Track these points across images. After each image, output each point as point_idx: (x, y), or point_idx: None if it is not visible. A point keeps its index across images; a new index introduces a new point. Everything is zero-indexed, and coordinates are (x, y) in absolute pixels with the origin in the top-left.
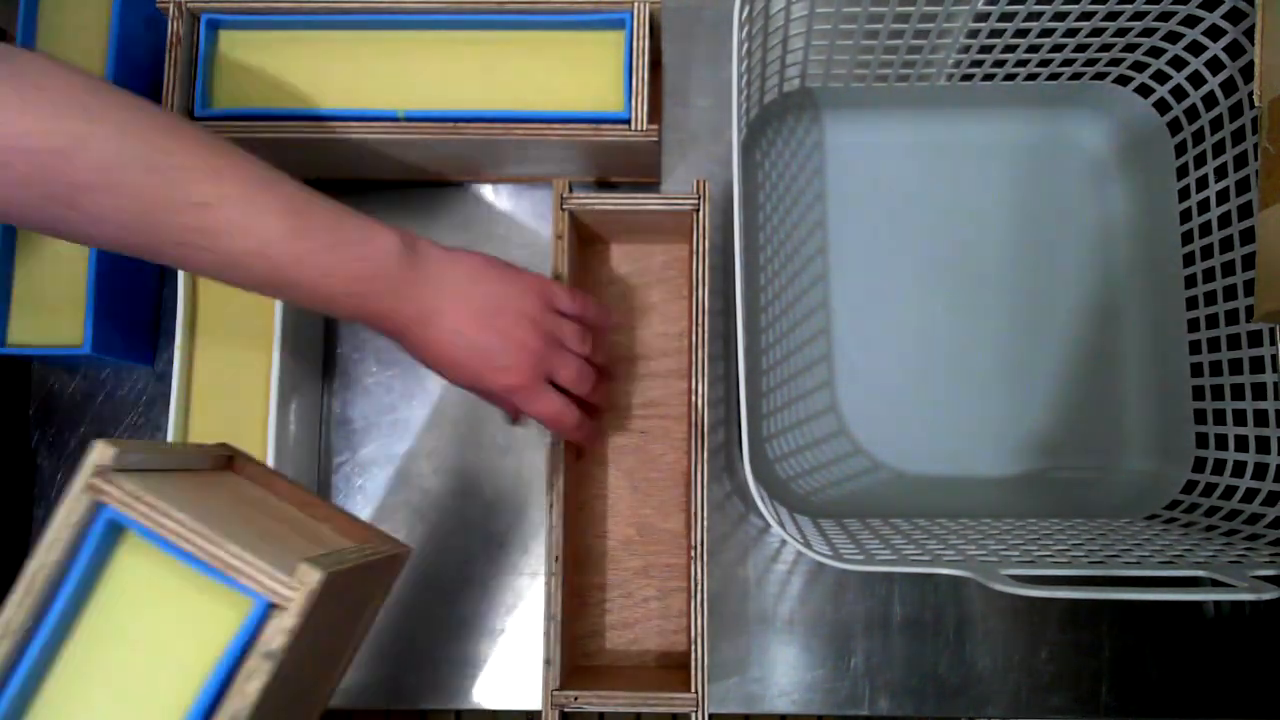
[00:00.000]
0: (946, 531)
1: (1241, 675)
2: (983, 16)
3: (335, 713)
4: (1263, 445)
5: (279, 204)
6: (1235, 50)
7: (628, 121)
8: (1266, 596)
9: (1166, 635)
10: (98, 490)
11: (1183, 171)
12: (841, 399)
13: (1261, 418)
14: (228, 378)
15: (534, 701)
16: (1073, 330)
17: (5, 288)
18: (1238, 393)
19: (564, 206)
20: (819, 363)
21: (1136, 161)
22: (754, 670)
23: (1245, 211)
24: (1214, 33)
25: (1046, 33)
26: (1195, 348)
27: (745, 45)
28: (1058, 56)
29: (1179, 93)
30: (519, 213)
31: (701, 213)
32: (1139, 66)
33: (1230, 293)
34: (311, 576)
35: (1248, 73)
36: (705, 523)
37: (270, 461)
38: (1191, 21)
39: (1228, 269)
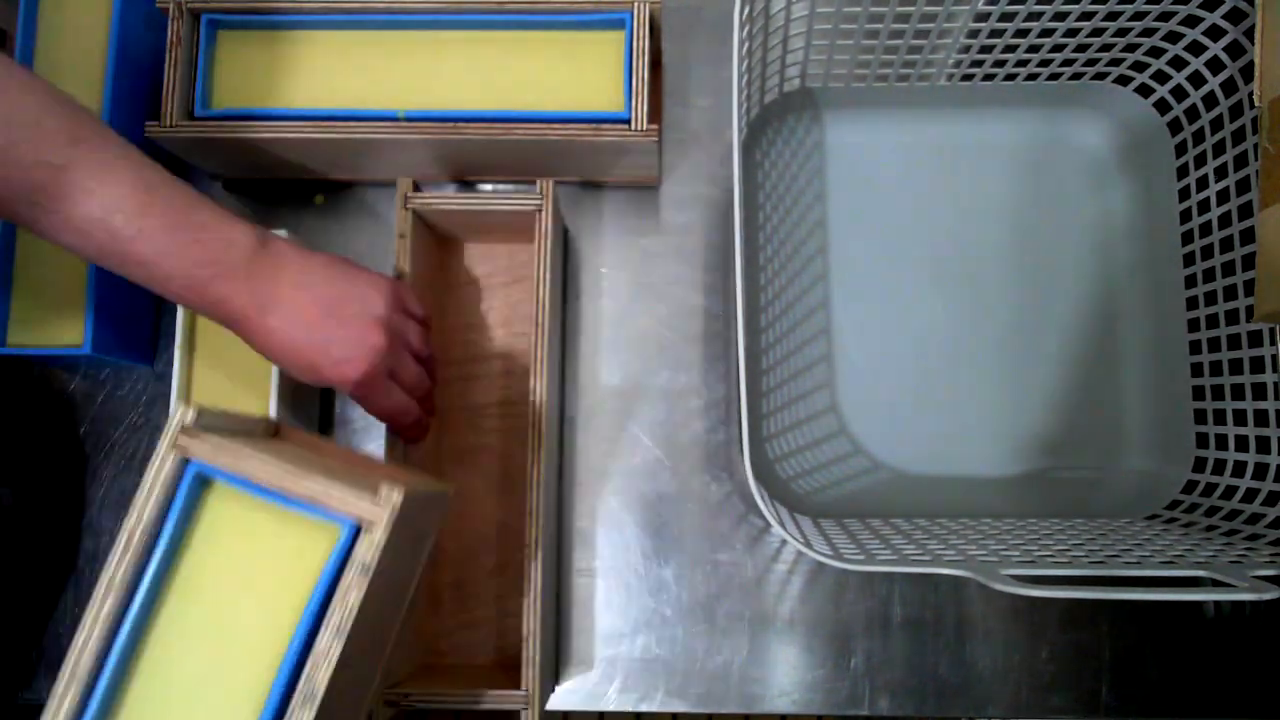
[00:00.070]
0: (946, 531)
1: (1241, 675)
2: (983, 16)
3: None
4: (1263, 445)
5: (130, 177)
6: (1235, 50)
7: (628, 121)
8: (1267, 596)
9: (1166, 635)
10: (184, 447)
11: (1183, 171)
12: (841, 399)
13: (1261, 418)
14: (228, 378)
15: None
16: (1073, 330)
17: (5, 288)
18: (1238, 393)
19: (407, 206)
20: (819, 363)
21: (1136, 161)
22: (754, 670)
23: (1245, 211)
24: (1214, 33)
25: (1046, 33)
26: (1195, 348)
27: (745, 45)
28: (1058, 56)
29: (1179, 93)
30: None
31: (544, 213)
32: (1139, 66)
33: (1230, 293)
34: (394, 495)
35: (1248, 73)
36: (541, 520)
37: None
38: (1191, 21)
39: (1228, 269)
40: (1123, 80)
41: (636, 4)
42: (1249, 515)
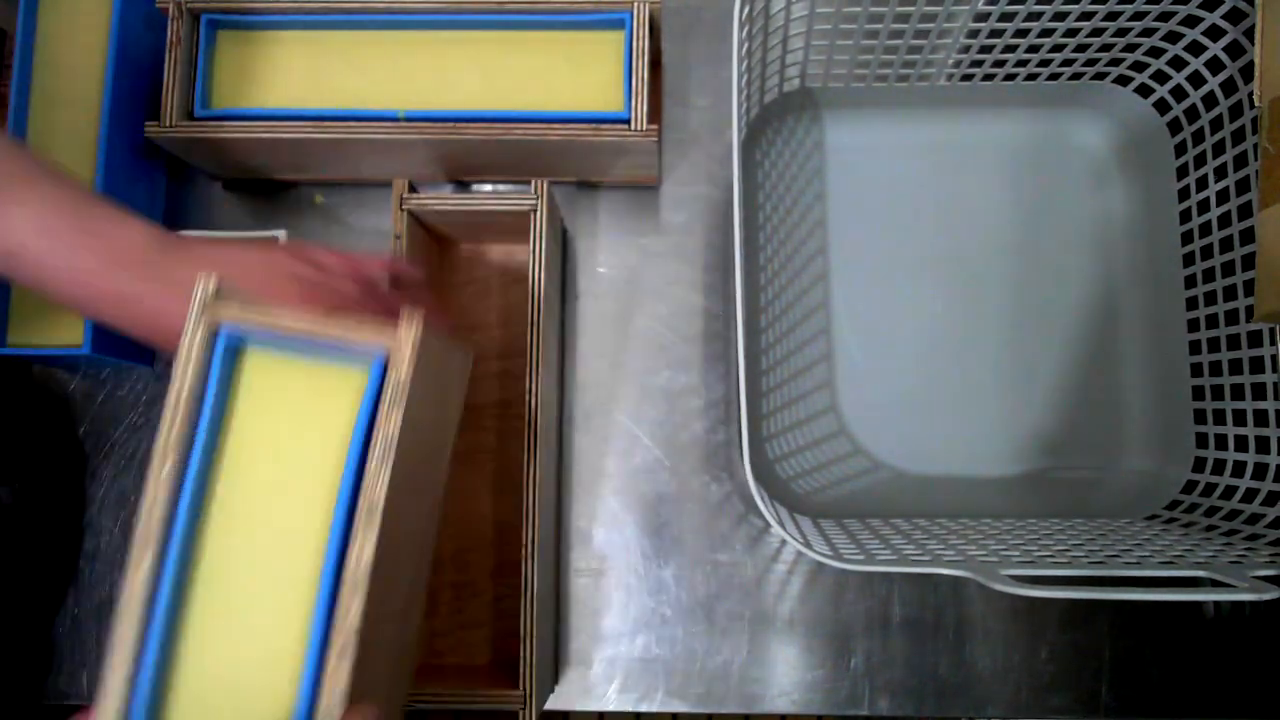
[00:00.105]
0: (946, 531)
1: (1241, 675)
2: (983, 16)
3: None
4: (1263, 445)
5: (34, 199)
6: (1235, 50)
7: (628, 121)
8: (1266, 596)
9: (1166, 635)
10: (214, 312)
11: (1183, 171)
12: (841, 399)
13: (1261, 418)
14: None
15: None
16: (1073, 330)
17: (5, 288)
18: (1238, 393)
19: (403, 207)
20: (819, 363)
21: (1136, 161)
22: (754, 670)
23: (1245, 211)
24: (1214, 33)
25: (1046, 33)
26: (1195, 348)
27: (745, 45)
28: (1058, 56)
29: (1179, 93)
30: None
31: (539, 213)
32: (1139, 66)
33: (1230, 293)
34: (415, 321)
35: (1248, 73)
36: (538, 521)
37: None
38: (1191, 21)
39: (1228, 269)
40: (1123, 80)
41: (636, 4)
42: (1249, 515)
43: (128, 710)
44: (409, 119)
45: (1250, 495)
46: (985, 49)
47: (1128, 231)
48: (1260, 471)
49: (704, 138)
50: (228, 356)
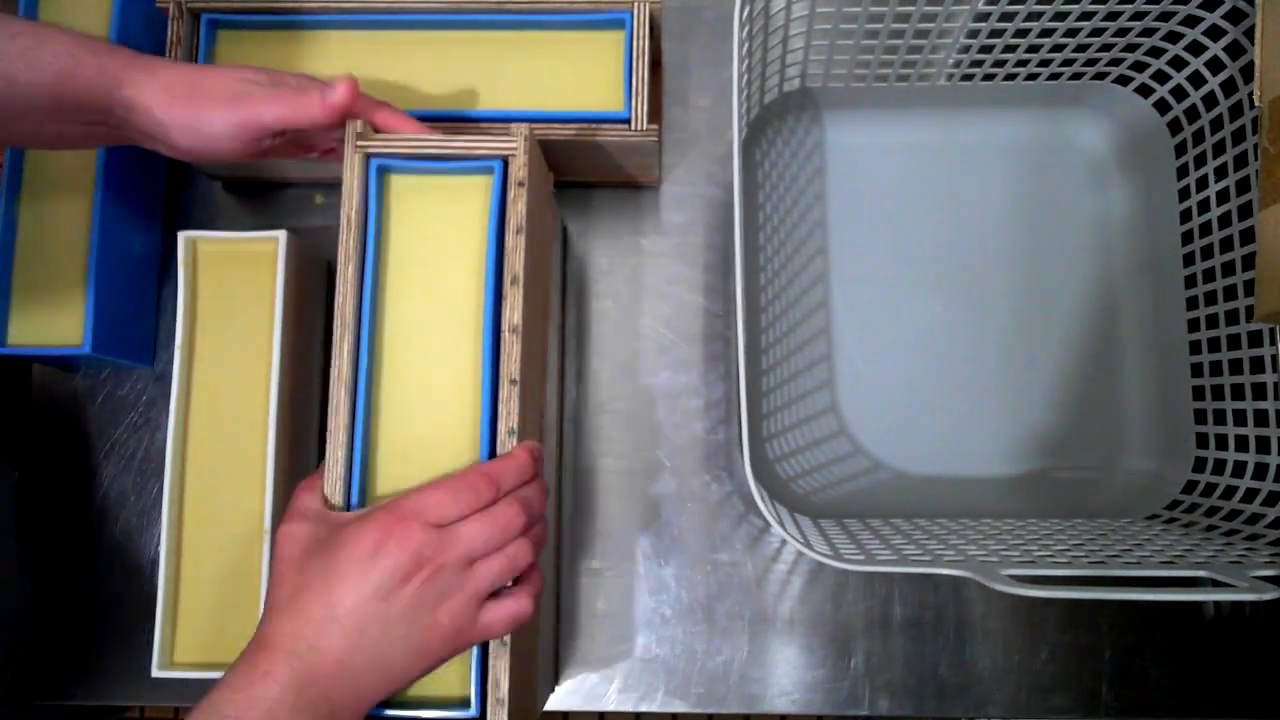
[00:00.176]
0: (946, 531)
1: (1241, 675)
2: (983, 16)
3: None
4: (1263, 445)
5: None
6: (1235, 50)
7: (628, 121)
8: (1266, 596)
9: (1166, 635)
10: (365, 147)
11: (1183, 171)
12: (841, 399)
13: (1261, 418)
14: (228, 378)
15: None
16: (1073, 330)
17: (5, 288)
18: (1238, 393)
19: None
20: (819, 363)
21: (1136, 161)
22: (754, 670)
23: (1245, 211)
24: (1214, 33)
25: (1046, 33)
26: (1195, 348)
27: (745, 45)
28: (1058, 56)
29: (1179, 93)
30: None
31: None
32: (1139, 66)
33: (1230, 293)
34: (519, 130)
35: (1248, 73)
36: None
37: (271, 459)
38: (1191, 21)
39: (1228, 269)
40: (1123, 80)
41: (636, 4)
42: (1249, 515)
43: (350, 461)
44: None
45: (1250, 495)
46: (985, 49)
47: (1128, 231)
48: (1260, 471)
49: (704, 138)
50: (379, 177)
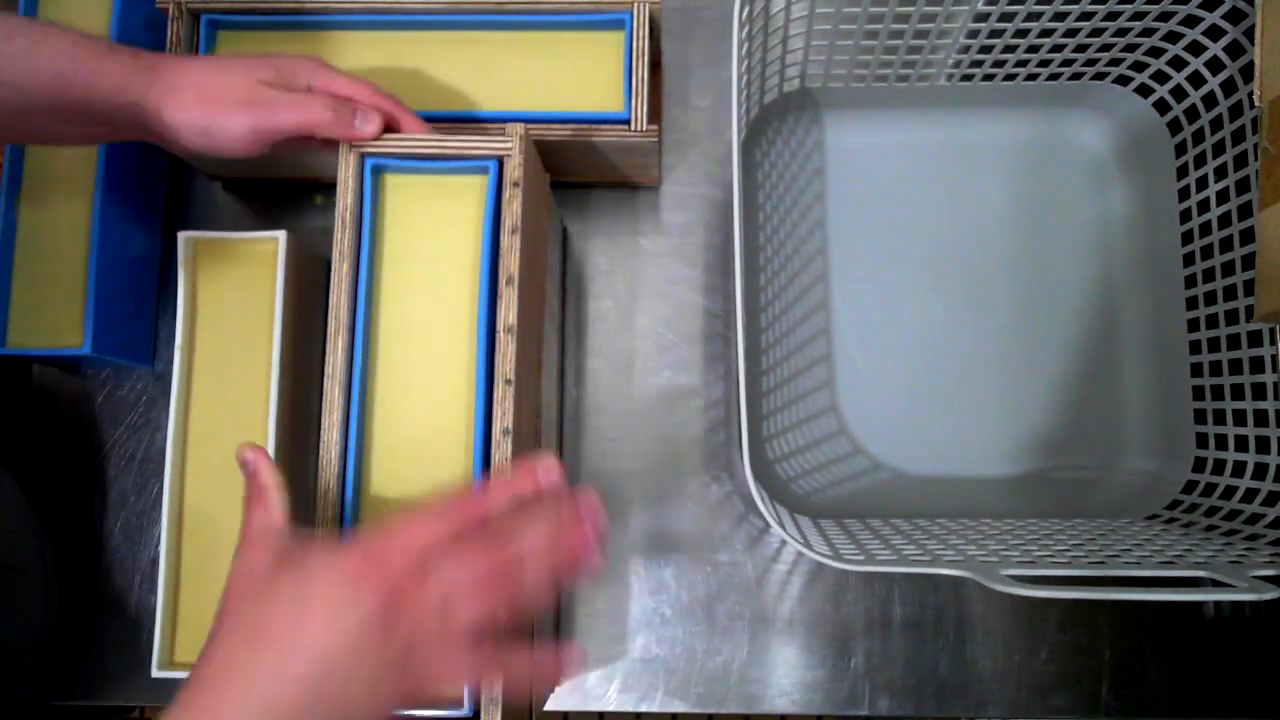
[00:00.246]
0: (946, 531)
1: (1241, 675)
2: (983, 17)
3: None
4: (1263, 445)
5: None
6: (1235, 50)
7: (628, 122)
8: (1266, 596)
9: (1166, 635)
10: (360, 146)
11: (1183, 171)
12: (841, 399)
13: (1261, 418)
14: (228, 378)
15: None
16: (1073, 330)
17: (5, 288)
18: (1238, 393)
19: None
20: (819, 363)
21: (1136, 161)
22: (754, 670)
23: (1245, 211)
24: (1214, 33)
25: (1046, 33)
26: (1195, 348)
27: (745, 45)
28: (1058, 56)
29: (1179, 93)
30: None
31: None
32: (1139, 66)
33: (1230, 293)
34: (514, 130)
35: (1248, 73)
36: None
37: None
38: (1191, 21)
39: (1228, 269)
40: (1123, 80)
41: (636, 4)
42: (1249, 515)
43: (344, 452)
44: None
45: (1250, 495)
46: (985, 49)
47: (1128, 231)
48: (1260, 471)
49: (704, 138)
50: (374, 176)
